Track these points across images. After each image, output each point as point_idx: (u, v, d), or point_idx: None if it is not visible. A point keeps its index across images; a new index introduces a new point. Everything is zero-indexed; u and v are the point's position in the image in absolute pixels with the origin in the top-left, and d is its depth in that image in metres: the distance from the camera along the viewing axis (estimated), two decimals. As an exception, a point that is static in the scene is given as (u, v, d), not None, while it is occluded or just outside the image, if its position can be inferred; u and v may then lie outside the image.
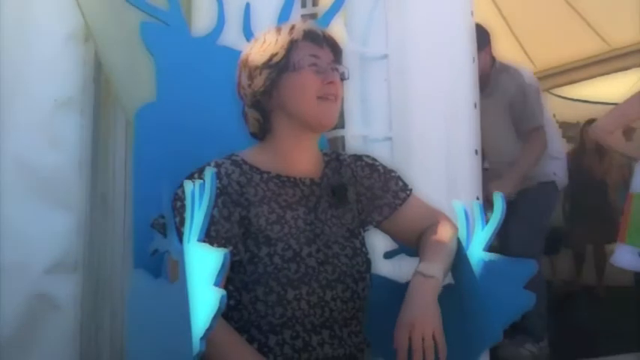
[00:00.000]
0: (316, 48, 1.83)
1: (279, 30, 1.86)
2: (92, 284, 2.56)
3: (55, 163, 2.46)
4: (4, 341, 2.37)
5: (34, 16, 2.46)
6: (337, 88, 1.83)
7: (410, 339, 1.68)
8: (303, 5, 2.91)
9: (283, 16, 2.37)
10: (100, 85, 2.58)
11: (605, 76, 6.31)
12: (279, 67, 1.81)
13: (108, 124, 2.66)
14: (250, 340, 1.71)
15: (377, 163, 2.00)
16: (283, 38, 1.83)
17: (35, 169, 2.44)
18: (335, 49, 1.87)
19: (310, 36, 1.83)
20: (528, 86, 4.11)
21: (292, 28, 1.85)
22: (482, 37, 3.81)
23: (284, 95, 1.82)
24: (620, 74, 6.33)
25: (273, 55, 1.82)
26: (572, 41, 4.25)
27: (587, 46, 5.67)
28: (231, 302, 1.69)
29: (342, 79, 1.87)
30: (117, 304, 2.57)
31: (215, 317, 1.32)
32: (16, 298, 2.39)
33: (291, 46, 1.81)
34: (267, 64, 1.82)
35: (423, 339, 1.68)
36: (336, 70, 1.84)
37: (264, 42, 1.86)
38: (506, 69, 4.13)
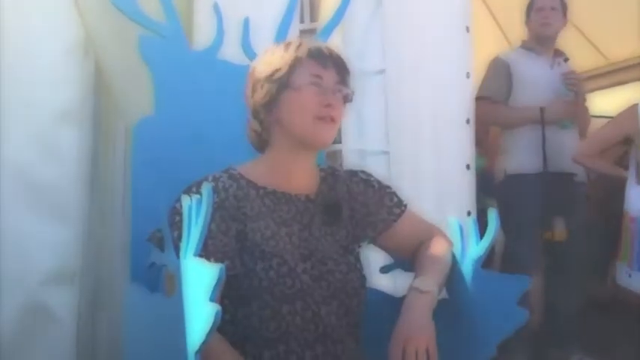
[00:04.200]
0: (320, 68, 1.83)
1: (287, 45, 1.87)
2: (89, 296, 2.55)
3: (54, 175, 2.44)
4: (1, 353, 2.36)
5: (35, 28, 2.45)
6: (336, 110, 1.83)
7: (403, 353, 1.70)
8: (302, 21, 2.91)
9: (282, 31, 2.40)
10: (99, 98, 2.57)
11: (604, 90, 6.31)
12: (281, 83, 1.82)
13: (107, 137, 2.66)
14: (245, 355, 1.71)
15: (372, 179, 2.02)
16: (289, 55, 1.84)
17: (33, 181, 2.43)
18: (341, 70, 1.86)
19: (316, 55, 1.84)
20: None
21: (299, 45, 1.85)
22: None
23: (282, 112, 1.83)
24: (618, 88, 6.34)
25: (276, 70, 1.83)
26: (569, 55, 4.28)
27: (585, 60, 5.66)
28: (227, 316, 1.67)
29: (346, 101, 1.87)
30: (114, 316, 2.55)
31: (210, 332, 1.33)
32: (13, 310, 2.37)
33: (295, 63, 1.82)
34: (270, 79, 1.84)
35: (416, 353, 1.70)
36: (339, 92, 1.85)
37: (272, 55, 1.87)
38: None
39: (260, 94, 1.86)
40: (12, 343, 2.37)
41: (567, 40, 4.36)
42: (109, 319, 2.60)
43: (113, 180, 2.67)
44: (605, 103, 5.88)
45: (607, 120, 4.34)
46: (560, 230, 3.85)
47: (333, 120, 1.83)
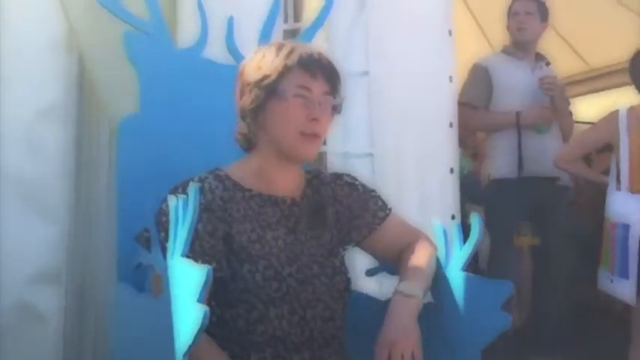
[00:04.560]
0: (309, 79, 1.81)
1: (279, 49, 1.84)
2: (75, 294, 2.55)
3: (38, 173, 2.44)
4: (-14, 351, 2.35)
5: (18, 24, 2.44)
6: (321, 125, 1.82)
7: (389, 357, 1.72)
8: (285, 21, 2.90)
9: (266, 30, 2.40)
10: (82, 95, 2.57)
11: (585, 96, 6.37)
12: (268, 90, 1.81)
13: (90, 134, 2.65)
14: (232, 357, 1.71)
15: (357, 183, 2.02)
16: (279, 61, 1.81)
17: (17, 179, 2.42)
18: (331, 79, 1.85)
19: (306, 64, 1.81)
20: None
21: (290, 52, 1.82)
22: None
23: (268, 120, 1.83)
24: (599, 94, 6.40)
25: (265, 77, 1.81)
26: (551, 61, 4.32)
27: (567, 66, 5.72)
28: (214, 318, 1.66)
29: (335, 111, 1.87)
30: (100, 315, 2.56)
31: (198, 333, 1.34)
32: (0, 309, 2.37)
33: (284, 71, 1.80)
34: (258, 84, 1.82)
35: (402, 357, 1.71)
36: (327, 103, 1.84)
37: (263, 58, 1.85)
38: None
39: (248, 99, 1.84)
40: (-1, 342, 2.36)
41: (549, 46, 4.41)
42: (94, 316, 2.60)
43: (97, 177, 2.66)
44: (587, 108, 5.94)
45: (589, 125, 4.39)
46: (523, 236, 3.88)
47: (317, 135, 1.83)
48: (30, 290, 2.39)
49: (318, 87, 1.82)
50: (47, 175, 2.45)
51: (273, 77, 1.80)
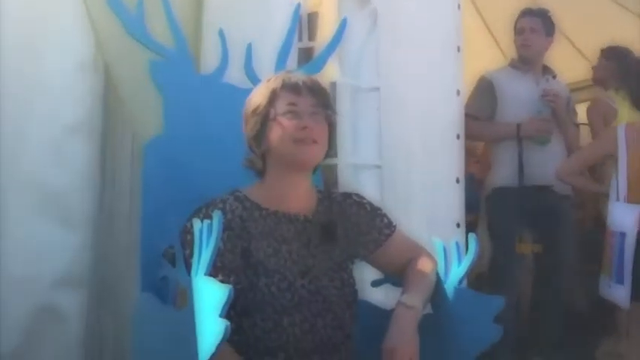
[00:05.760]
0: (294, 96, 1.99)
1: (268, 80, 2.05)
2: (97, 298, 2.69)
3: (64, 184, 2.58)
4: (10, 353, 2.48)
5: (48, 45, 2.59)
6: (314, 131, 1.98)
7: None
8: (300, 39, 3.01)
9: (283, 51, 2.57)
10: (107, 111, 2.72)
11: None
12: (262, 116, 1.99)
13: (114, 147, 2.81)
14: None
15: (365, 202, 2.17)
16: (267, 89, 2.01)
17: (45, 189, 2.56)
18: (317, 94, 2.02)
19: (288, 85, 2.00)
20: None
21: (276, 79, 2.03)
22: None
23: (268, 142, 1.99)
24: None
25: (257, 106, 2.00)
26: (560, 66, 4.40)
27: (575, 70, 5.79)
28: (232, 327, 1.77)
29: (328, 121, 2.02)
30: (120, 319, 2.70)
31: (219, 345, 1.49)
32: (23, 311, 2.51)
33: (272, 96, 1.99)
34: (254, 113, 2.01)
35: None
36: (317, 114, 2.00)
37: (257, 90, 2.05)
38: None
39: (249, 127, 2.03)
40: (21, 344, 2.50)
41: (558, 51, 4.49)
42: (115, 320, 2.74)
43: (120, 187, 2.81)
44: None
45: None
46: (525, 244, 3.98)
47: (314, 141, 1.99)
48: (53, 293, 2.54)
49: (305, 101, 1.99)
50: (72, 186, 2.60)
51: (264, 104, 1.99)
